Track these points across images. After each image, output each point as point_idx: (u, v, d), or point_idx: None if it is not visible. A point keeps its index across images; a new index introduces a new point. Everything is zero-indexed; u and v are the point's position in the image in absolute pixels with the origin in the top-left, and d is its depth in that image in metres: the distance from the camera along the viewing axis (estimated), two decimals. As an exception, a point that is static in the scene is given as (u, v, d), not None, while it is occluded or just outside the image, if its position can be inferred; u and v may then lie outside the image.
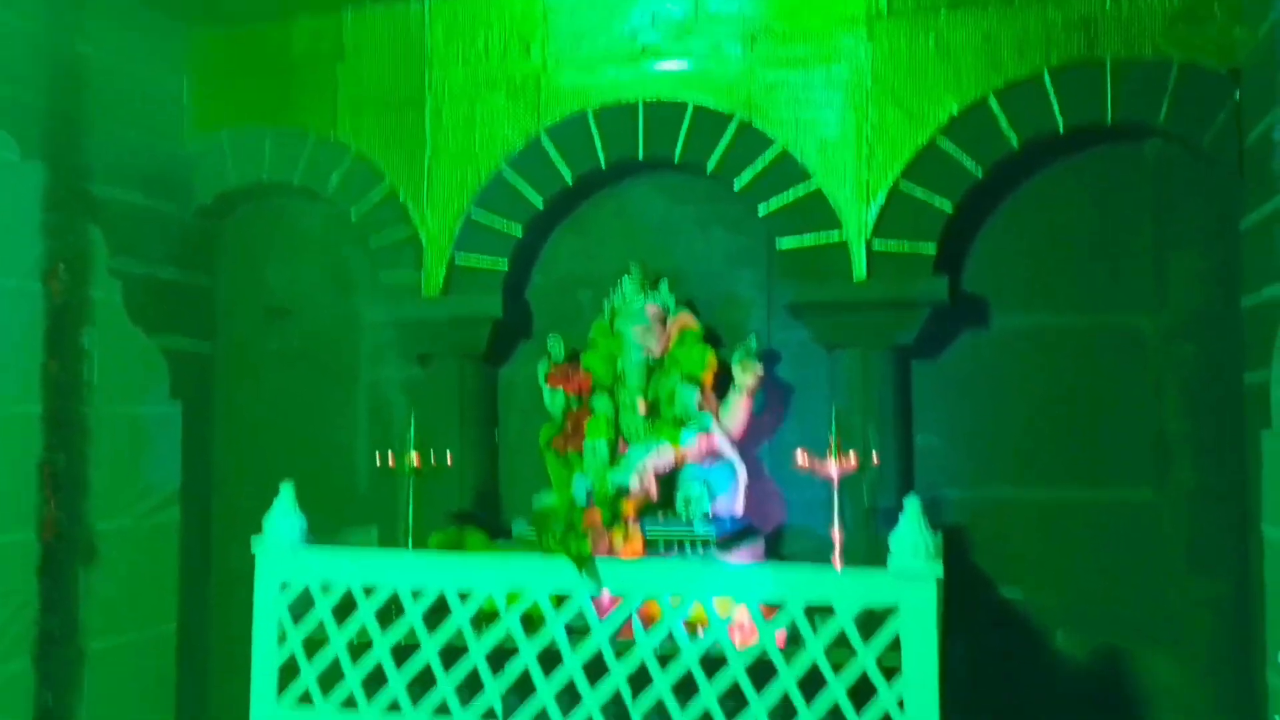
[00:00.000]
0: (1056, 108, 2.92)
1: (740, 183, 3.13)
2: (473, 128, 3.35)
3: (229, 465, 3.71)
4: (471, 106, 3.36)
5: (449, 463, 3.05)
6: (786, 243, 3.08)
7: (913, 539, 2.30)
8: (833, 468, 2.62)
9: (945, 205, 2.98)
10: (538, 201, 3.30)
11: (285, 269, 3.67)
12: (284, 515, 2.70)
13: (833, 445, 2.64)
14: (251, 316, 3.70)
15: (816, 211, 3.05)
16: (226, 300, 3.76)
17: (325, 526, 2.83)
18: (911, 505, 2.33)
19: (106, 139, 3.33)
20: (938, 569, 2.29)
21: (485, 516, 3.27)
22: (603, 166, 3.28)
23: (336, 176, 3.47)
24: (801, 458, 2.68)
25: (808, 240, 3.06)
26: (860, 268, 3.00)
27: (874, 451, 2.87)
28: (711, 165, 3.16)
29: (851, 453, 2.64)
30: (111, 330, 3.33)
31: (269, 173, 3.54)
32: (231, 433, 3.72)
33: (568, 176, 3.29)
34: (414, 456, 2.87)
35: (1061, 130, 2.93)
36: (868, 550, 2.82)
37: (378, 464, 2.98)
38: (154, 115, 3.55)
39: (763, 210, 3.11)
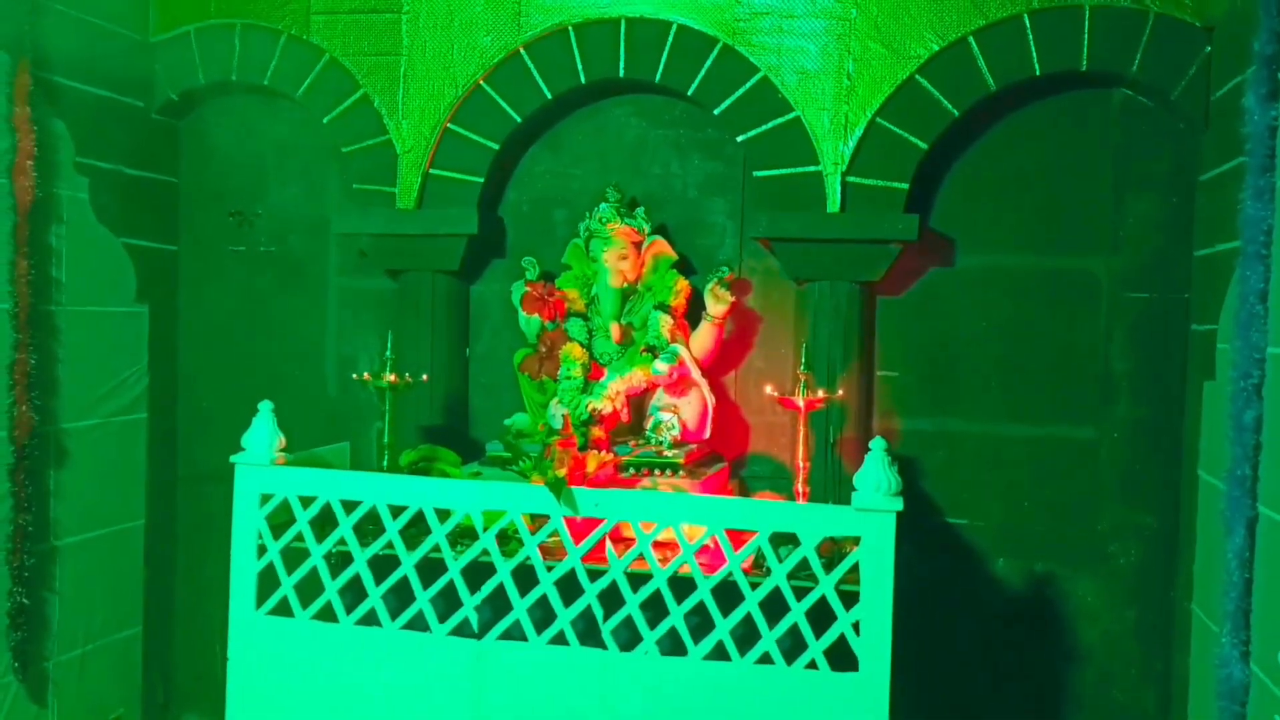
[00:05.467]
0: (1034, 52, 2.96)
1: (720, 108, 3.14)
2: (451, 36, 3.30)
3: (196, 367, 3.72)
4: (450, 15, 3.30)
5: (424, 380, 3.10)
6: (763, 172, 3.12)
7: (876, 477, 2.42)
8: (800, 401, 2.73)
9: (920, 143, 3.03)
10: (516, 116, 3.28)
11: (252, 171, 3.62)
12: (263, 433, 2.74)
13: (801, 380, 2.74)
14: (218, 218, 3.66)
15: (795, 142, 3.08)
16: (192, 201, 3.70)
17: (294, 433, 2.87)
18: (877, 445, 2.45)
19: (68, 27, 3.21)
20: (898, 504, 2.42)
21: (455, 431, 3.35)
22: (582, 81, 3.25)
23: (309, 80, 3.40)
24: (771, 390, 2.79)
25: (784, 171, 3.10)
26: (834, 200, 3.05)
27: (839, 387, 2.97)
28: (693, 89, 3.16)
29: (821, 390, 2.75)
30: (79, 228, 3.28)
31: (238, 72, 3.46)
32: (198, 334, 3.71)
33: (547, 92, 3.26)
34: (390, 376, 2.91)
35: (1038, 74, 2.98)
36: (826, 479, 2.96)
37: (355, 379, 3.02)
38: (117, 3, 3.42)
39: (741, 138, 3.13)
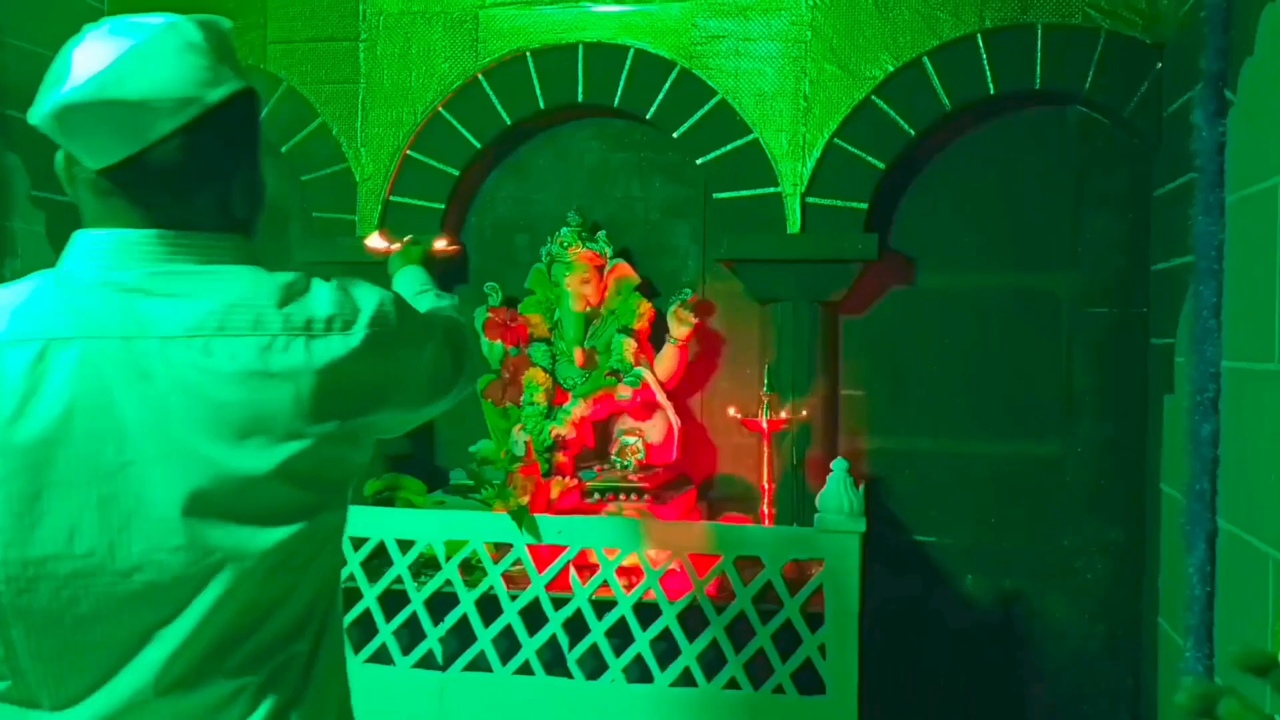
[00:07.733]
0: (988, 71, 2.99)
1: (679, 131, 3.15)
2: (409, 64, 3.29)
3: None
4: (408, 42, 3.29)
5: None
6: (723, 194, 3.12)
7: (838, 498, 2.43)
8: (763, 422, 2.73)
9: (878, 163, 3.05)
10: (476, 142, 3.27)
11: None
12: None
13: (764, 401, 2.74)
14: (178, 248, 3.62)
15: (754, 164, 3.09)
16: (151, 231, 3.66)
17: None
18: (839, 466, 2.45)
19: (20, 60, 3.18)
20: (861, 525, 2.42)
21: (420, 459, 3.32)
22: (541, 106, 3.25)
23: (267, 108, 3.38)
24: (735, 412, 2.78)
25: (744, 193, 3.10)
26: (795, 221, 3.06)
27: (803, 407, 2.97)
28: (651, 112, 3.17)
29: (783, 410, 2.75)
30: (36, 263, 3.23)
31: (195, 102, 3.43)
32: (158, 366, 3.66)
33: (506, 118, 3.26)
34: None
35: (993, 92, 3.00)
36: (794, 499, 2.95)
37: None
38: (70, 30, 3.38)
39: (701, 160, 3.14)
